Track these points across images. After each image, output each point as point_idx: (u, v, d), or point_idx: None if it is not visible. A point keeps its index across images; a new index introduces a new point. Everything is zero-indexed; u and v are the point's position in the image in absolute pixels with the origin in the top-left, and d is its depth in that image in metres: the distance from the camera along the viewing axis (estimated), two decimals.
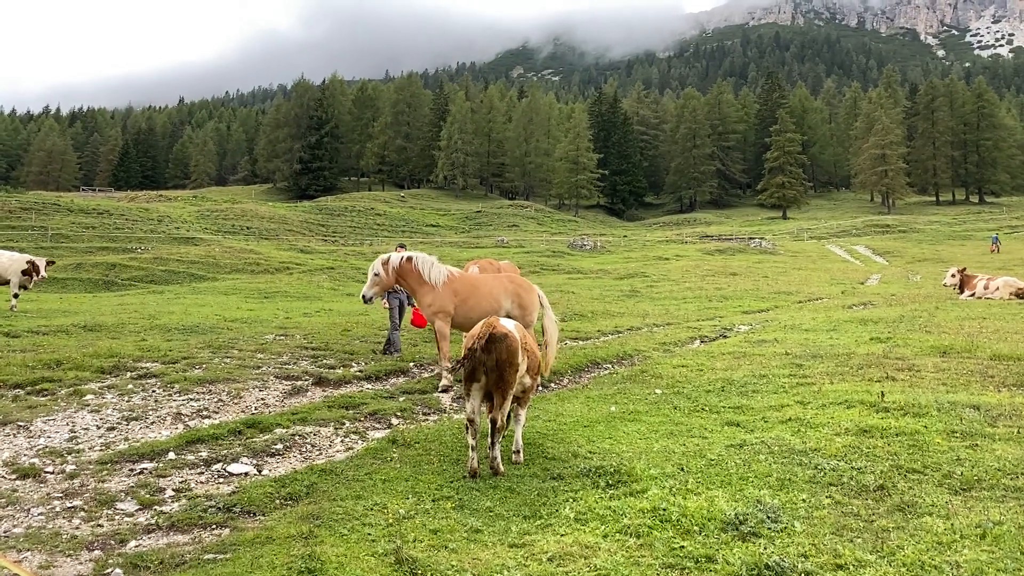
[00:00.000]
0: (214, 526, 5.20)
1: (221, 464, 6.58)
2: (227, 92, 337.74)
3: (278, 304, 23.22)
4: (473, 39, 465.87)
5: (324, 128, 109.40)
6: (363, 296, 10.50)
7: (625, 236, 74.40)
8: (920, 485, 5.63)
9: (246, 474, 6.42)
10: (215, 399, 8.85)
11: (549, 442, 7.18)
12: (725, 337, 15.91)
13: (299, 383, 9.87)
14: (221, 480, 6.26)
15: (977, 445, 6.47)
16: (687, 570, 4.34)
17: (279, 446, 7.16)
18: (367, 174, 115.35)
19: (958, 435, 6.78)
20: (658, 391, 9.78)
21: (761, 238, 64.80)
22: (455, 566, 4.43)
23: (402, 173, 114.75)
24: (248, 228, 61.99)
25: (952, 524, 4.87)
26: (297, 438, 7.44)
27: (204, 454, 6.80)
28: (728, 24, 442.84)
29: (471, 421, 6.24)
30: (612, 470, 6.08)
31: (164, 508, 5.55)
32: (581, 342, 15.08)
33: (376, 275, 10.40)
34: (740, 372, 10.72)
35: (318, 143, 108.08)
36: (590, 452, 6.77)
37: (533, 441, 7.19)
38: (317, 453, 7.13)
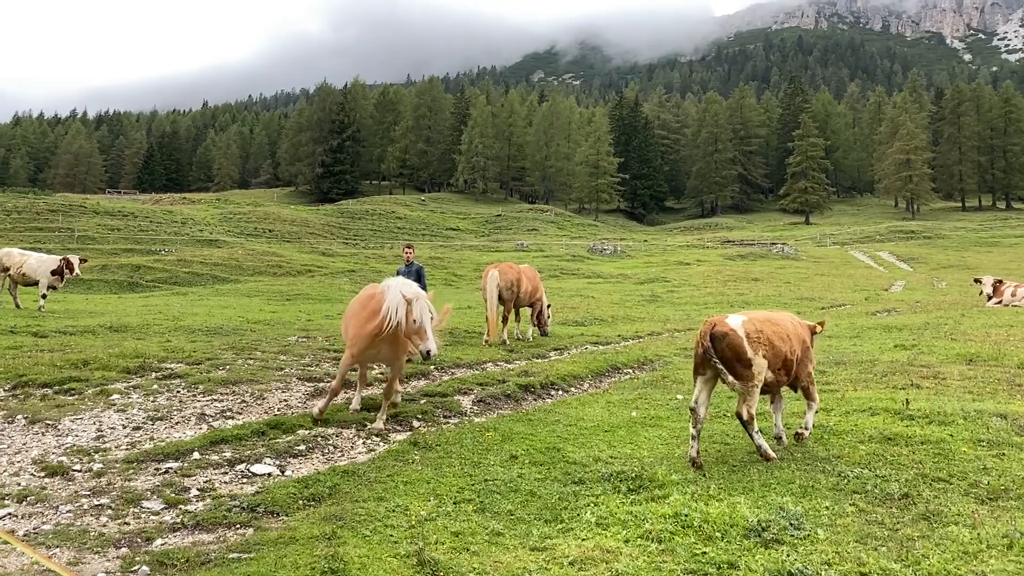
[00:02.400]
0: (238, 525, 5.25)
1: (245, 464, 6.64)
2: (250, 96, 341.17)
3: (300, 306, 23.39)
4: (501, 42, 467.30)
5: (346, 132, 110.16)
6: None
7: (646, 241, 74.16)
8: (945, 494, 5.57)
9: (269, 474, 6.48)
10: (238, 400, 8.93)
11: (570, 446, 7.19)
12: None
13: (322, 385, 9.94)
14: (245, 480, 6.32)
15: (1004, 454, 6.39)
16: None
17: (302, 447, 7.21)
18: (388, 177, 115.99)
19: (984, 444, 6.70)
20: (679, 396, 9.75)
21: (784, 243, 64.31)
22: (476, 569, 4.45)
23: (423, 176, 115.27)
24: (270, 231, 62.54)
25: (978, 534, 4.81)
26: (319, 439, 7.49)
27: (228, 454, 6.87)
28: (751, 28, 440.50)
29: (692, 410, 6.52)
30: (634, 475, 6.07)
31: (189, 507, 5.61)
32: (601, 347, 15.07)
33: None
34: None
35: (340, 147, 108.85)
36: (611, 457, 6.76)
37: (554, 445, 7.20)
38: (339, 454, 7.17)
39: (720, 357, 6.38)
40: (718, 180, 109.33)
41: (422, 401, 9.22)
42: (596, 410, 9.04)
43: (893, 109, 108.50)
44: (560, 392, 10.57)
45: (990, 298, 23.15)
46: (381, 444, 7.50)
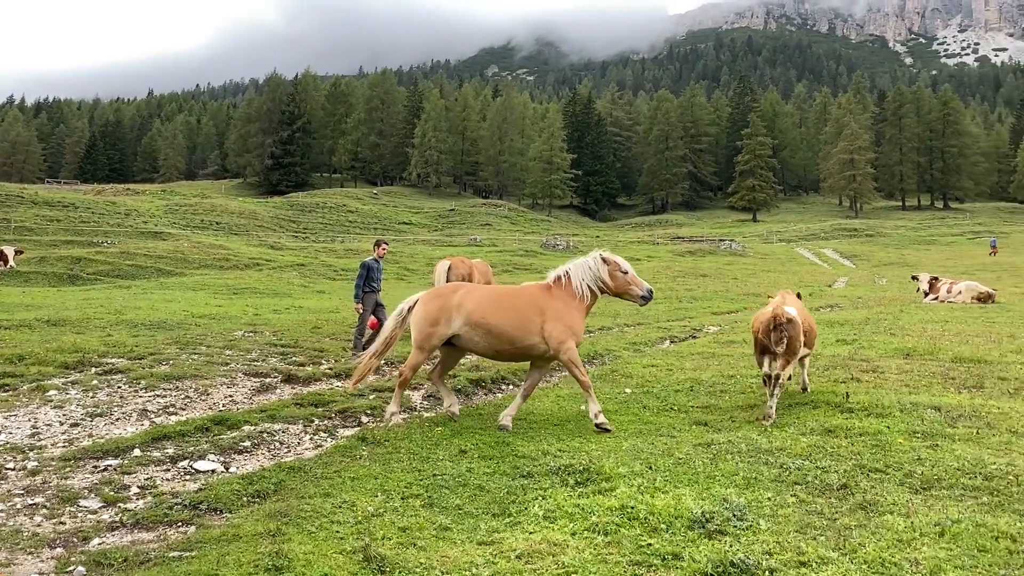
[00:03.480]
0: (180, 524, 5.14)
1: (188, 461, 6.51)
2: (198, 85, 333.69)
3: (247, 300, 22.97)
4: (457, 36, 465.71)
5: (296, 123, 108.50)
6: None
7: (598, 236, 74.72)
8: (882, 484, 5.74)
9: (213, 471, 6.36)
10: (182, 396, 8.75)
11: (519, 440, 7.21)
12: (695, 338, 16.06)
13: (268, 380, 9.79)
14: (188, 477, 6.20)
15: (937, 445, 6.61)
16: (654, 567, 4.38)
17: (247, 443, 7.10)
18: (339, 170, 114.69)
19: (919, 435, 6.92)
20: (628, 390, 9.85)
21: (731, 240, 65.47)
22: (423, 563, 4.43)
23: (375, 170, 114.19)
24: (217, 223, 61.28)
25: (912, 522, 4.96)
26: (266, 435, 7.38)
27: (170, 451, 6.72)
28: (702, 27, 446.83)
29: (768, 377, 8.01)
30: (581, 468, 6.11)
31: (129, 505, 5.48)
32: None
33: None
34: (709, 372, 10.85)
35: (290, 138, 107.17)
36: (560, 450, 6.80)
37: (503, 440, 7.22)
38: (286, 450, 7.09)
39: (789, 337, 7.91)
40: (669, 177, 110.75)
41: (371, 397, 9.14)
42: (546, 404, 9.09)
43: (838, 110, 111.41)
44: (510, 387, 10.59)
45: (927, 294, 23.92)
46: (329, 440, 7.43)
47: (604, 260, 8.18)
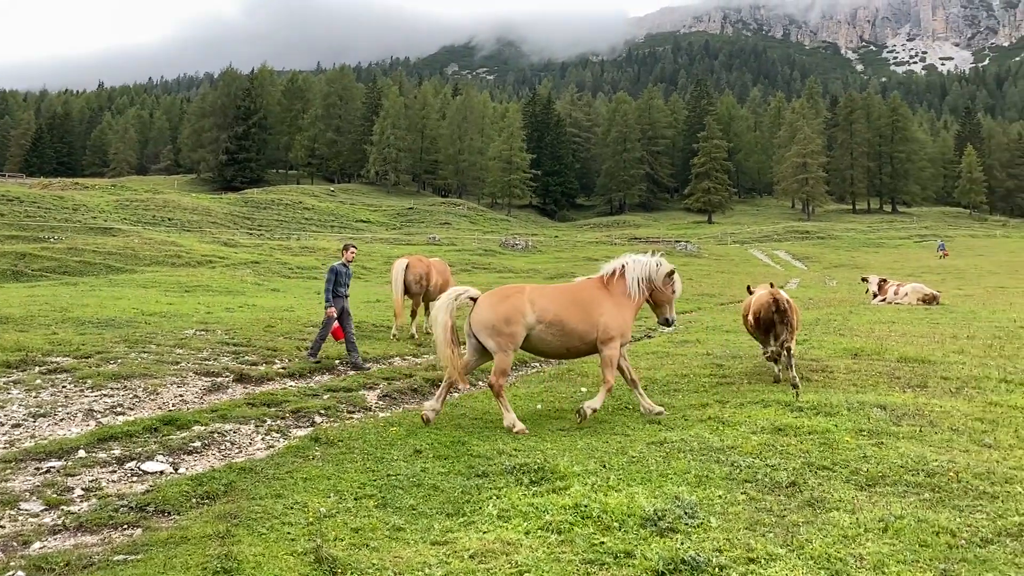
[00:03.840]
0: (126, 526, 5.03)
1: (135, 462, 6.37)
2: (150, 78, 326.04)
3: (199, 298, 22.52)
4: (417, 34, 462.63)
5: (252, 119, 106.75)
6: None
7: (556, 236, 75.05)
8: (829, 481, 5.86)
9: (161, 472, 6.24)
10: (130, 395, 8.55)
11: (475, 440, 7.20)
12: (649, 337, 16.21)
13: (219, 380, 9.62)
14: (135, 479, 6.07)
15: (883, 443, 6.78)
16: (606, 565, 4.41)
17: (197, 444, 6.98)
18: (296, 167, 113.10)
19: (865, 433, 7.09)
20: (584, 389, 9.92)
21: (687, 241, 66.29)
22: (376, 564, 4.40)
23: (332, 167, 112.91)
24: (170, 219, 59.95)
25: (857, 518, 5.08)
26: (216, 436, 7.27)
27: (117, 452, 6.57)
28: (661, 31, 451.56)
29: (776, 354, 9.76)
30: (536, 467, 6.13)
31: (72, 508, 5.34)
32: None
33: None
34: (663, 371, 10.97)
35: (245, 134, 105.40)
36: (515, 450, 6.81)
37: (459, 439, 7.20)
38: (237, 451, 6.98)
39: (788, 316, 9.53)
40: (626, 179, 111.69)
41: (325, 396, 9.05)
42: None
43: (792, 114, 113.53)
44: (467, 386, 10.56)
45: (875, 296, 24.52)
46: (281, 440, 7.33)
47: (671, 273, 8.62)
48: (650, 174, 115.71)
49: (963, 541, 4.72)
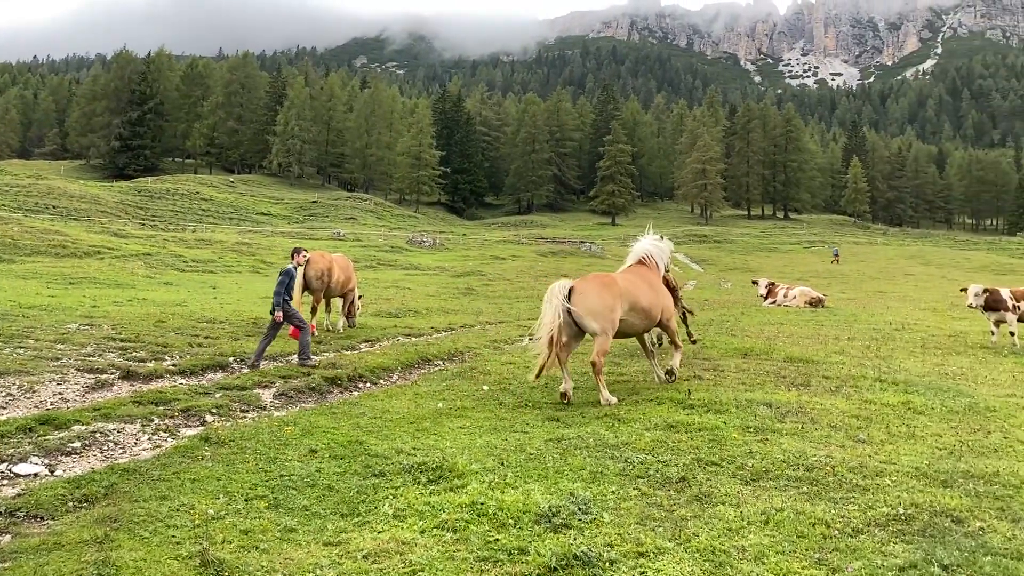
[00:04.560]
0: None
1: (6, 464, 5.99)
2: (35, 57, 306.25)
3: (85, 291, 21.33)
4: (327, 23, 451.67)
5: (147, 104, 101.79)
6: None
7: (464, 234, 75.00)
8: (717, 477, 6.09)
9: (36, 475, 5.89)
10: (3, 393, 8.03)
11: (373, 439, 7.12)
12: None
13: (104, 377, 9.16)
14: (5, 482, 5.71)
15: (767, 439, 7.10)
16: (500, 562, 4.45)
17: (76, 444, 6.62)
18: (194, 156, 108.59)
19: (752, 430, 7.40)
20: (485, 387, 9.96)
21: (591, 242, 67.54)
22: (265, 567, 4.30)
23: (232, 157, 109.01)
24: (54, 207, 56.46)
25: (741, 512, 5.31)
26: (98, 436, 6.91)
27: None
28: (570, 34, 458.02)
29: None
30: (434, 466, 6.12)
31: None
32: (414, 338, 15.06)
33: None
34: None
35: (140, 119, 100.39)
36: (414, 448, 6.78)
37: (356, 439, 7.10)
38: (120, 452, 6.66)
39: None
40: (534, 179, 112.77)
41: (218, 395, 8.74)
42: (403, 402, 9.02)
43: (693, 122, 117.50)
44: (368, 384, 10.44)
45: (765, 298, 25.67)
46: (169, 440, 7.04)
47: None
48: (558, 175, 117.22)
49: (836, 531, 5.00)
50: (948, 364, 12.52)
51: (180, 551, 4.47)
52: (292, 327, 11.18)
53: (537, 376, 8.96)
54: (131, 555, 4.33)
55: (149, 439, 7.03)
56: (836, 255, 62.01)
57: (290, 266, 11.65)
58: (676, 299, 11.15)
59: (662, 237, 10.49)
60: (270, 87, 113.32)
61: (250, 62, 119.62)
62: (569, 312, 8.75)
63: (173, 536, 4.69)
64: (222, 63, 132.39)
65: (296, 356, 11.14)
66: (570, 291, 8.87)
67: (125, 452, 6.64)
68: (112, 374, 9.30)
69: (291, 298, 11.33)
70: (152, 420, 7.52)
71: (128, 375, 9.36)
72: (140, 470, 5.91)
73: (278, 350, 11.86)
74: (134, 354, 10.65)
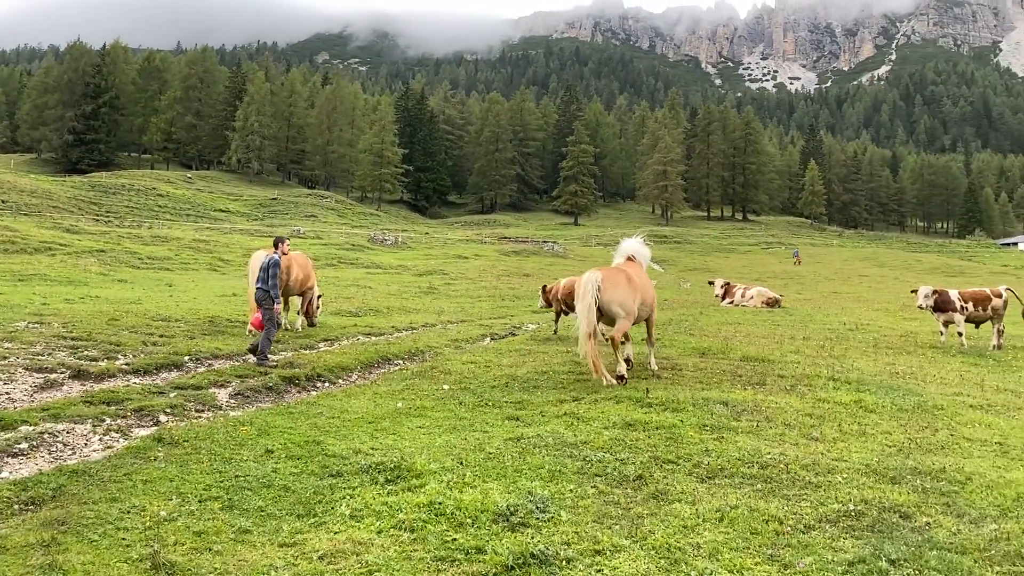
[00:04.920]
0: None
1: None
2: None
3: (35, 288, 20.78)
4: (289, 18, 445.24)
5: (102, 97, 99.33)
6: None
7: (427, 233, 74.65)
8: (673, 474, 6.16)
9: None
10: None
11: (331, 439, 7.06)
12: (514, 335, 16.47)
13: (54, 376, 8.93)
14: None
15: (723, 437, 7.20)
16: (457, 562, 4.44)
17: (23, 445, 6.44)
18: (151, 151, 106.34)
19: (708, 428, 7.50)
20: (446, 387, 9.93)
21: (554, 242, 67.75)
22: (218, 568, 4.24)
23: (191, 152, 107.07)
24: (3, 202, 54.81)
25: (697, 509, 5.38)
26: (47, 436, 6.73)
27: None
28: (534, 34, 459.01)
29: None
30: (393, 466, 6.08)
31: None
32: (374, 337, 14.95)
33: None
34: (524, 368, 11.16)
35: (94, 113, 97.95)
36: (372, 448, 6.73)
37: (314, 439, 7.03)
38: (70, 453, 6.49)
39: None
40: (498, 178, 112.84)
41: (172, 394, 8.58)
42: (362, 402, 8.96)
43: (654, 123, 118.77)
44: (327, 384, 10.35)
45: (722, 298, 26.03)
46: (121, 440, 6.89)
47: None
48: (521, 175, 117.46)
49: (789, 528, 5.10)
50: (899, 363, 12.83)
51: (130, 554, 4.38)
52: (256, 317, 11.26)
53: (600, 372, 9.75)
54: (79, 558, 4.23)
55: (100, 440, 6.87)
56: (796, 256, 63.21)
57: (275, 255, 11.55)
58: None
59: (644, 240, 11.59)
60: (230, 82, 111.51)
61: (209, 56, 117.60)
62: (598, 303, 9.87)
63: (123, 539, 4.59)
64: (180, 57, 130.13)
65: (253, 355, 11.01)
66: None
67: (75, 453, 6.48)
68: (62, 373, 9.07)
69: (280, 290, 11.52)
70: (103, 420, 7.35)
71: (79, 374, 9.14)
72: (90, 471, 5.77)
73: (234, 348, 11.69)
74: (86, 353, 10.40)
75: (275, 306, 11.11)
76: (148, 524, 4.79)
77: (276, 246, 11.88)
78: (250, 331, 12.27)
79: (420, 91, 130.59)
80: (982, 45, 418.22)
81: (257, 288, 11.27)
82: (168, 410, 7.92)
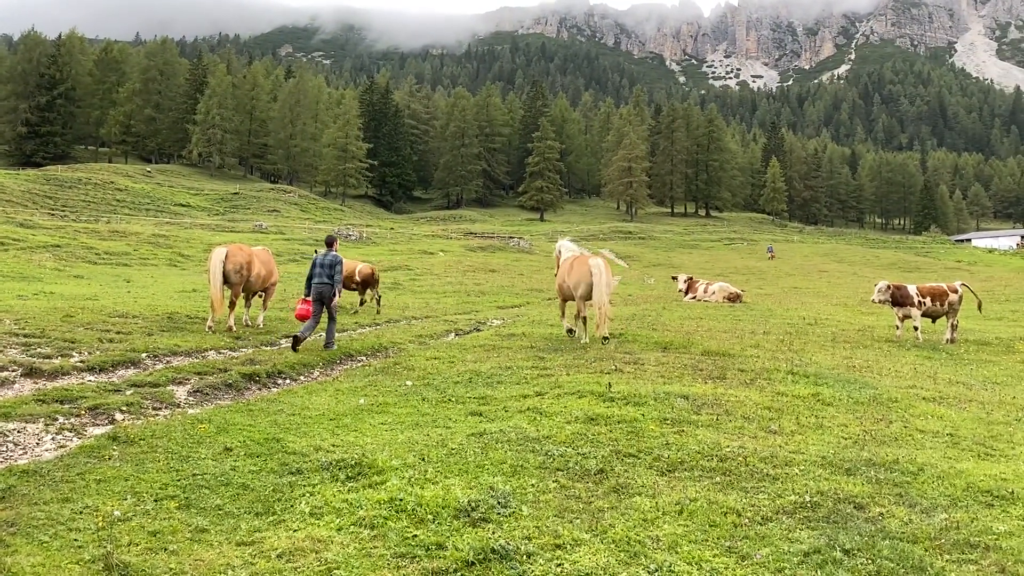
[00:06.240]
0: None
1: None
2: None
3: None
4: (252, 10, 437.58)
5: (58, 89, 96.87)
6: None
7: (392, 229, 74.17)
8: (634, 468, 6.21)
9: None
10: None
11: (291, 436, 6.99)
12: (479, 331, 16.45)
13: (4, 374, 8.70)
14: None
15: (683, 431, 7.27)
16: (418, 558, 4.43)
17: None
18: (108, 144, 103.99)
19: (669, 422, 7.57)
20: (409, 383, 9.89)
21: (520, 238, 67.81)
22: (173, 569, 4.17)
23: (150, 146, 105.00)
24: None
25: (657, 502, 5.43)
26: None
27: None
28: (500, 30, 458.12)
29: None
30: (353, 462, 6.05)
31: None
32: (337, 334, 14.81)
33: None
34: (488, 364, 11.16)
35: (49, 105, 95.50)
36: (333, 445, 6.68)
37: (274, 436, 6.95)
38: (20, 452, 6.33)
39: None
40: (464, 174, 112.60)
41: (128, 392, 8.41)
42: (323, 399, 8.88)
43: (619, 120, 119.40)
44: (288, 381, 10.24)
45: (685, 293, 26.30)
46: (75, 439, 6.74)
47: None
48: (487, 170, 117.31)
49: (747, 520, 5.18)
50: (855, 357, 13.09)
51: (82, 555, 4.29)
52: (303, 309, 12.41)
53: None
54: (28, 560, 4.14)
55: (53, 439, 6.71)
56: (771, 252, 64.25)
57: (337, 254, 12.76)
58: None
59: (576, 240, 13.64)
60: (190, 74, 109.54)
61: (169, 48, 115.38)
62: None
63: (75, 540, 4.50)
64: (139, 48, 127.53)
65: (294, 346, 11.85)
66: None
67: (26, 453, 6.32)
68: (13, 371, 8.85)
69: (340, 285, 12.63)
70: (56, 419, 7.18)
71: (31, 372, 8.92)
72: (41, 471, 5.64)
73: (193, 345, 11.51)
74: (39, 350, 10.16)
75: (334, 300, 12.49)
76: (101, 524, 4.70)
77: (330, 245, 12.98)
78: (298, 337, 12.21)
79: (385, 85, 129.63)
80: (938, 46, 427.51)
81: (324, 283, 12.40)
82: (124, 408, 7.77)
